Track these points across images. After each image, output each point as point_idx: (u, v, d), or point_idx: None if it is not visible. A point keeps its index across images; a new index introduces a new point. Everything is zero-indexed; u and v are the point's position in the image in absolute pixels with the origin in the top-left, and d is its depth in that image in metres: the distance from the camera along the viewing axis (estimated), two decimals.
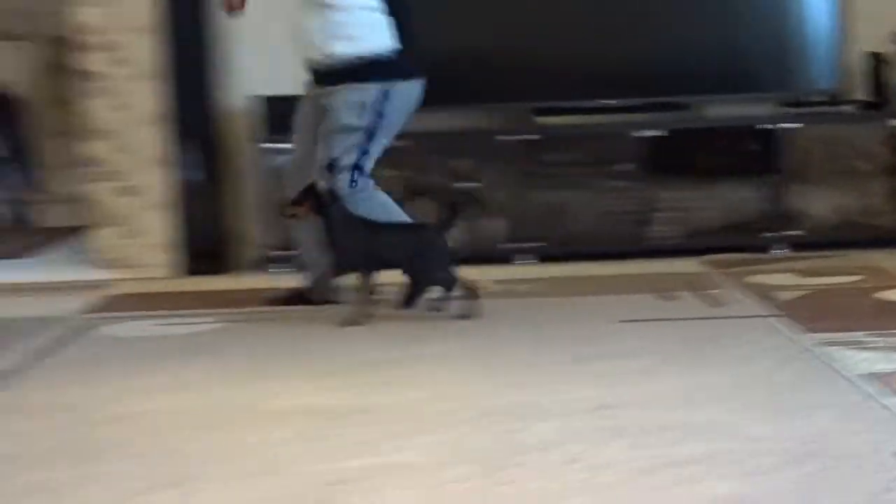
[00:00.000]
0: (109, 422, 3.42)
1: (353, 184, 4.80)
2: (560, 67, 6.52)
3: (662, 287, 5.30)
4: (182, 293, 5.48)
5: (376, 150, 4.89)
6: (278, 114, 5.77)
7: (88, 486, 2.85)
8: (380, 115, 4.86)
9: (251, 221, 6.28)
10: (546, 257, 6.38)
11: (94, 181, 6.26)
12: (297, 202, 4.71)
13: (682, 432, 3.12)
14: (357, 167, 4.82)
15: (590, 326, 4.55)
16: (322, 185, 4.67)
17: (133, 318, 5.00)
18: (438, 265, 4.71)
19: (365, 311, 4.69)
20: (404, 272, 4.72)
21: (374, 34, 4.84)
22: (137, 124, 6.16)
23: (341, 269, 4.75)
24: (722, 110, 6.55)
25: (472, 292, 4.74)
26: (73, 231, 7.87)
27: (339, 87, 4.81)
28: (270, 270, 6.03)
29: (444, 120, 6.57)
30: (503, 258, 6.36)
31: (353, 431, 3.23)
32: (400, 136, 6.34)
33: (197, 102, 6.15)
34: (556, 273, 5.91)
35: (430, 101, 6.50)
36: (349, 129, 4.80)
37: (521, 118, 6.56)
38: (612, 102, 6.51)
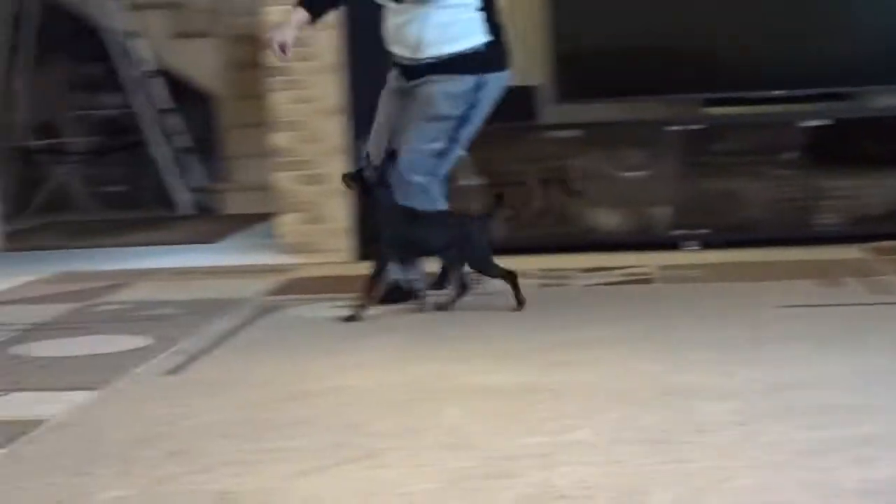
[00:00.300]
0: (295, 398, 3.47)
1: (436, 170, 4.80)
2: (728, 59, 6.44)
3: (827, 273, 5.21)
4: (360, 276, 5.53)
5: (464, 139, 4.88)
6: None
7: (276, 460, 2.89)
8: (472, 105, 4.85)
9: None
10: (712, 244, 6.32)
11: (279, 170, 6.36)
12: (351, 178, 4.71)
13: (855, 414, 3.06)
14: (442, 153, 4.81)
15: (757, 311, 4.48)
16: (370, 172, 4.63)
17: (316, 301, 5.07)
18: (479, 255, 4.65)
19: (371, 304, 4.64)
20: (443, 260, 4.70)
21: (474, 30, 4.82)
22: (320, 115, 6.25)
23: (383, 257, 4.64)
24: (887, 100, 6.41)
25: (512, 280, 4.69)
26: (258, 218, 8.02)
27: (436, 77, 4.78)
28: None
29: (614, 111, 6.55)
30: (670, 244, 6.32)
31: (531, 410, 3.23)
32: (568, 127, 6.36)
33: (375, 94, 6.19)
34: (721, 259, 5.84)
35: (599, 92, 6.50)
36: (443, 118, 4.78)
37: (690, 109, 6.50)
38: (780, 93, 6.40)
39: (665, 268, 5.65)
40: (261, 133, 6.85)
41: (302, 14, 4.77)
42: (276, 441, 3.03)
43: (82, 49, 10.97)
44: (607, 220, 6.54)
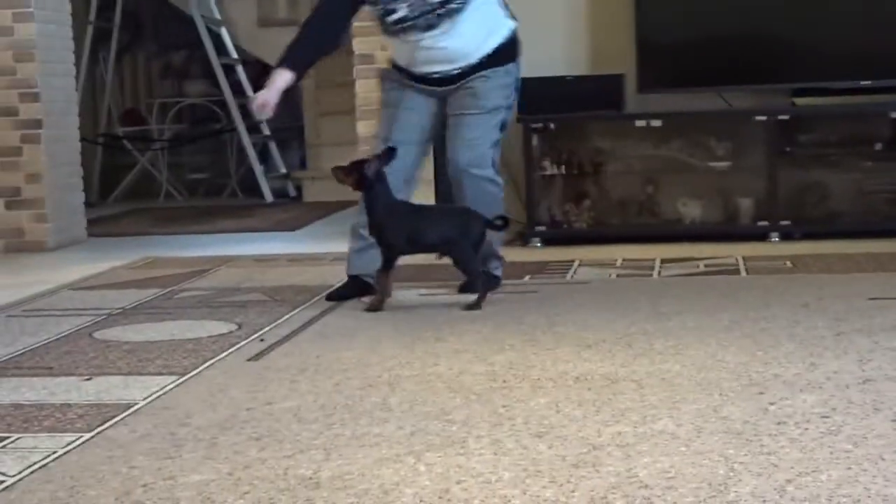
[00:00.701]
0: (376, 386, 3.49)
1: (497, 160, 4.80)
2: (817, 48, 6.38)
3: None
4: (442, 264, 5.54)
5: (507, 126, 4.86)
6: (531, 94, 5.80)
7: (357, 446, 2.91)
8: (517, 90, 4.84)
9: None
10: (799, 235, 6.27)
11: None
12: (346, 171, 4.59)
13: None
14: (497, 144, 4.81)
15: (844, 303, 4.44)
16: (372, 166, 4.55)
17: (398, 288, 5.09)
18: (468, 250, 4.60)
19: (385, 296, 4.65)
20: (450, 257, 4.65)
21: (501, 17, 4.79)
22: None
23: (387, 251, 4.62)
24: None
25: (486, 287, 4.64)
26: (340, 205, 8.07)
27: (486, 72, 4.75)
28: (532, 244, 6.10)
29: (699, 101, 6.51)
30: (758, 235, 6.28)
31: (613, 399, 3.23)
32: (653, 117, 6.34)
33: None
34: (808, 251, 5.80)
35: (684, 82, 6.47)
36: (498, 109, 4.78)
37: (778, 99, 6.45)
38: (868, 83, 6.33)
39: (750, 259, 5.62)
40: (345, 121, 6.89)
41: (286, 76, 4.64)
42: (357, 427, 3.05)
43: (169, 37, 11.08)
44: (692, 210, 6.51)
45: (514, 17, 4.85)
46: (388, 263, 4.62)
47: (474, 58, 4.73)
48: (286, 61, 4.67)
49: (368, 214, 4.61)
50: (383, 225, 4.57)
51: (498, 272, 4.92)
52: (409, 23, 4.67)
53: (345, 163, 4.65)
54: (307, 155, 10.35)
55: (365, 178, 4.55)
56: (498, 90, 4.77)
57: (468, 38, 4.70)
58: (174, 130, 10.94)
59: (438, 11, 4.64)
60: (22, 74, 6.99)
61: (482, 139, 4.74)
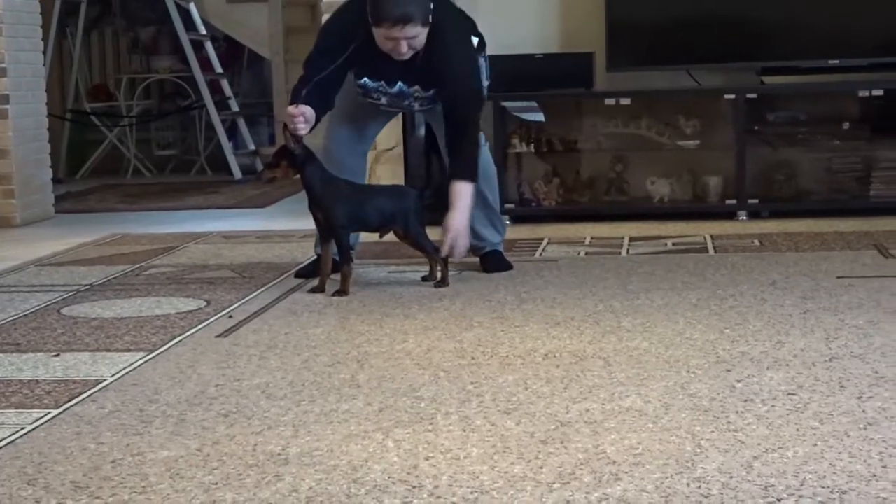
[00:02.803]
0: (345, 362, 3.49)
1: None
2: (786, 28, 6.39)
3: (883, 244, 5.18)
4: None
5: None
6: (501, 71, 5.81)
7: (326, 423, 2.91)
8: (487, 77, 4.86)
9: None
10: (768, 214, 6.30)
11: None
12: (273, 164, 4.54)
13: None
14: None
15: (811, 281, 4.47)
16: (294, 146, 4.47)
17: (367, 266, 5.10)
18: (417, 228, 4.61)
19: (326, 275, 4.63)
20: (403, 233, 4.65)
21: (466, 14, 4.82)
22: None
23: (334, 227, 4.56)
24: None
25: (443, 261, 4.64)
26: None
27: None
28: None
29: (671, 79, 6.53)
30: (726, 214, 6.30)
31: (582, 376, 3.24)
32: (622, 95, 6.35)
33: None
34: (776, 229, 5.82)
35: (653, 60, 6.48)
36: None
37: (746, 78, 6.47)
38: (837, 62, 6.35)
39: (718, 237, 5.64)
40: None
41: (310, 112, 4.49)
42: (326, 404, 3.05)
43: (137, 12, 11.02)
44: (660, 188, 6.53)
45: (476, 32, 4.80)
46: (344, 246, 4.58)
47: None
48: (309, 100, 4.51)
49: (308, 192, 4.57)
50: (323, 200, 4.55)
51: (499, 246, 5.00)
52: (387, 108, 4.81)
53: (265, 163, 4.61)
54: (276, 132, 10.32)
55: (294, 159, 4.51)
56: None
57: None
58: (142, 106, 10.89)
59: (420, 103, 4.74)
60: None
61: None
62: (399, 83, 4.64)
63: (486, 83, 4.87)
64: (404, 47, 4.46)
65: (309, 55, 4.62)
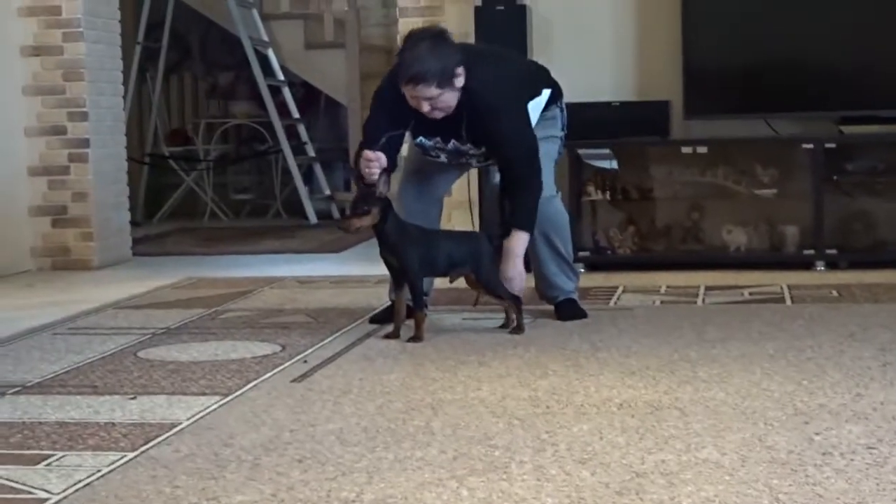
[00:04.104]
0: (419, 409, 3.49)
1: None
2: (865, 77, 6.35)
3: None
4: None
5: None
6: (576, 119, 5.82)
7: (399, 470, 2.91)
8: (564, 128, 4.98)
9: None
10: (846, 264, 6.24)
11: None
12: (363, 212, 4.46)
13: None
14: (552, 166, 4.93)
15: (891, 333, 4.42)
16: (382, 190, 4.45)
17: (443, 311, 5.11)
18: (489, 272, 4.61)
19: (400, 322, 4.62)
20: (475, 278, 4.65)
21: (538, 107, 4.83)
22: None
23: (408, 272, 4.56)
24: None
25: (517, 306, 4.65)
26: None
27: None
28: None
29: (749, 128, 6.49)
30: (803, 264, 6.25)
31: (657, 427, 3.22)
32: (698, 143, 6.33)
33: None
34: (854, 280, 5.76)
35: (735, 108, 6.45)
36: (548, 139, 4.86)
37: (824, 126, 6.43)
38: None
39: (795, 287, 5.59)
40: None
41: (384, 159, 4.51)
42: (400, 451, 3.05)
43: (216, 58, 11.15)
44: (737, 237, 6.48)
45: (548, 84, 4.86)
46: (418, 292, 4.58)
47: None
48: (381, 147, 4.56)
49: (381, 237, 4.56)
50: (396, 245, 4.56)
51: (574, 294, 5.02)
52: (449, 164, 4.88)
53: (350, 212, 4.55)
54: (351, 177, 10.38)
55: (385, 206, 4.51)
56: (543, 124, 4.82)
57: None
58: (220, 151, 10.99)
59: (476, 159, 4.81)
60: (71, 94, 7.06)
61: (542, 164, 4.78)
62: (452, 140, 4.67)
63: (561, 133, 4.89)
64: (425, 107, 4.50)
65: (367, 118, 4.68)
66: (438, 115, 4.54)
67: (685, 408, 3.41)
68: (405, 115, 4.58)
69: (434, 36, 4.54)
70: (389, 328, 4.66)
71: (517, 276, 4.63)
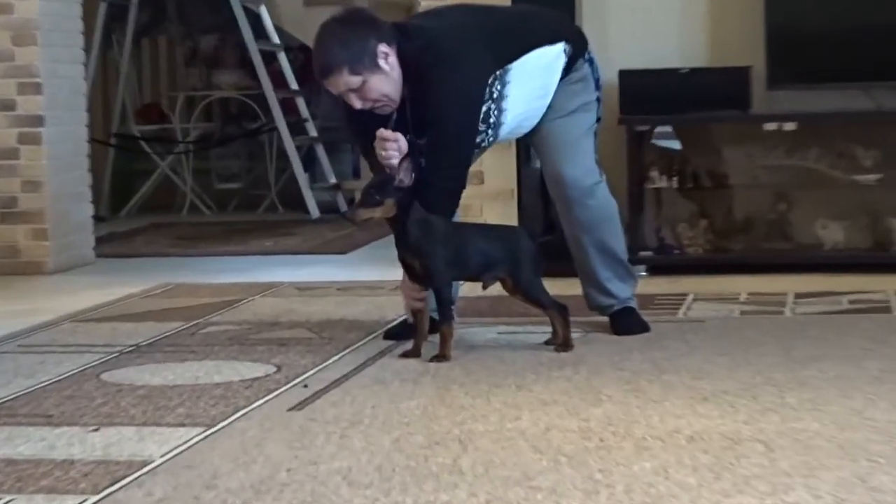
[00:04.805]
0: (444, 443, 3.48)
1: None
2: None
3: None
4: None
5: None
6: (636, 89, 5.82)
7: None
8: (598, 82, 4.97)
9: None
10: None
11: None
12: (375, 202, 4.45)
13: None
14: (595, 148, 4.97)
15: None
16: (402, 177, 4.45)
17: (473, 325, 5.11)
18: (530, 277, 4.61)
19: (423, 338, 4.62)
20: (513, 283, 4.64)
21: (546, 67, 4.82)
22: None
23: (434, 277, 4.55)
24: None
25: (563, 316, 4.65)
26: None
27: None
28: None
29: (846, 100, 6.46)
30: None
31: (736, 464, 3.21)
32: (785, 118, 6.31)
33: None
34: None
35: (829, 77, 6.41)
36: (583, 108, 4.91)
37: None
38: None
39: None
40: None
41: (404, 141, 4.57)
42: (421, 494, 3.05)
43: (197, 17, 11.15)
44: (833, 233, 6.47)
45: (560, 35, 4.84)
46: (444, 299, 4.57)
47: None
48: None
49: (400, 235, 4.56)
50: (420, 244, 4.55)
51: (632, 302, 5.03)
52: None
53: (363, 200, 4.51)
54: (362, 163, 10.39)
55: (402, 195, 4.49)
56: (571, 90, 4.85)
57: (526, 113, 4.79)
58: (201, 130, 11.02)
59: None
60: (21, 60, 7.06)
61: (579, 145, 4.79)
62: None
63: (596, 94, 4.88)
64: (356, 101, 4.58)
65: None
66: (385, 109, 4.61)
67: (770, 441, 3.40)
68: (376, 120, 4.62)
69: (340, 20, 4.63)
70: (409, 345, 4.66)
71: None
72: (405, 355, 4.61)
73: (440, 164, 4.60)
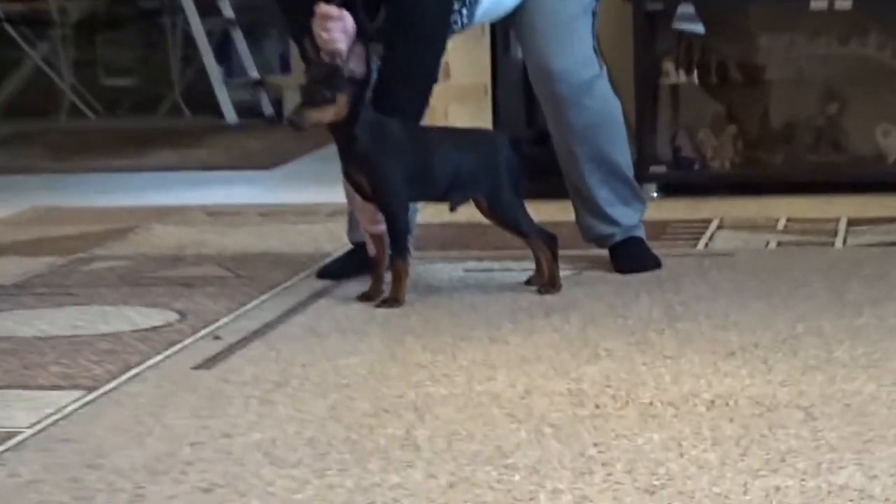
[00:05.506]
0: (391, 409, 3.50)
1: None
2: None
3: None
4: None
5: None
6: None
7: (373, 503, 2.92)
8: None
9: None
10: None
11: None
12: (325, 99, 4.42)
13: None
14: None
15: None
16: (353, 67, 4.47)
17: (426, 259, 5.12)
18: (510, 198, 4.62)
19: (380, 279, 4.65)
20: (489, 205, 4.65)
21: None
22: None
23: (387, 198, 4.56)
24: None
25: (551, 247, 4.67)
26: None
27: None
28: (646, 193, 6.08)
29: None
30: None
31: (770, 437, 3.22)
32: None
33: None
34: None
35: None
36: None
37: None
38: None
39: None
40: None
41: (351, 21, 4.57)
42: (365, 475, 3.06)
43: None
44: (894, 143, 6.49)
45: None
46: (399, 225, 4.58)
47: None
48: None
49: (347, 144, 4.55)
50: (371, 155, 4.54)
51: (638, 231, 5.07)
52: None
53: (306, 98, 4.49)
54: (288, 52, 10.35)
55: (357, 91, 4.49)
56: None
57: None
58: (83, 10, 10.97)
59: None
60: None
61: (572, 28, 4.78)
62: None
63: None
64: None
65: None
66: None
67: (813, 407, 3.42)
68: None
69: None
70: (361, 286, 4.66)
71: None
72: (362, 298, 4.61)
73: (405, 50, 4.58)
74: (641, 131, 6.35)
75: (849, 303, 4.42)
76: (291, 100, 9.81)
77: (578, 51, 4.82)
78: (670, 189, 6.41)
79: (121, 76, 11.05)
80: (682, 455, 3.14)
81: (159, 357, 4.05)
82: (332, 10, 4.46)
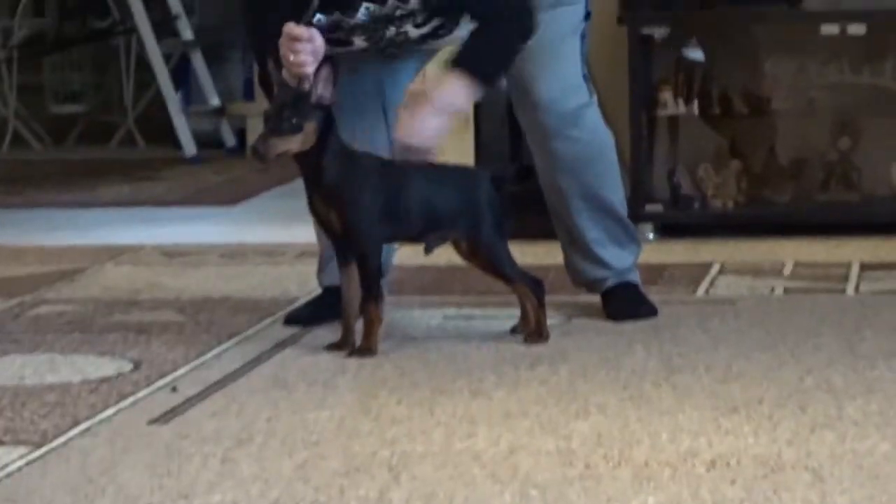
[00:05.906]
0: (374, 469, 3.51)
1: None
2: None
3: None
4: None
5: None
6: None
7: None
8: None
9: None
10: None
11: None
12: (292, 128, 4.44)
13: None
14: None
15: None
16: (323, 93, 4.49)
17: (405, 305, 5.13)
18: (493, 239, 4.63)
19: (351, 327, 4.65)
20: (468, 246, 4.67)
21: None
22: None
23: (360, 238, 4.57)
24: None
25: (538, 294, 4.68)
26: None
27: None
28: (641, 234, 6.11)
29: None
30: None
31: (780, 498, 3.24)
32: (849, 17, 6.34)
33: None
34: None
35: None
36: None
37: None
38: None
39: None
40: None
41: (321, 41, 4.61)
42: None
43: None
44: None
45: None
46: (374, 268, 4.59)
47: None
48: None
49: (315, 177, 4.56)
50: (342, 189, 4.56)
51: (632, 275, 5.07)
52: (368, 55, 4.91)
53: (270, 128, 4.50)
54: (253, 75, 10.36)
55: (325, 120, 4.52)
56: None
57: None
58: (30, 28, 10.98)
59: (412, 22, 4.78)
60: None
61: (559, 51, 4.80)
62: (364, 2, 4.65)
63: None
64: None
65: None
66: None
67: (822, 468, 3.43)
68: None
69: None
70: (332, 334, 4.66)
71: (419, 137, 4.62)
72: (333, 348, 4.62)
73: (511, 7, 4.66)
74: (636, 166, 6.37)
75: (861, 355, 4.44)
76: (255, 129, 9.82)
77: (566, 76, 4.83)
78: (668, 230, 6.42)
79: (69, 102, 11.04)
80: None
81: (111, 410, 4.06)
82: (302, 30, 4.47)
